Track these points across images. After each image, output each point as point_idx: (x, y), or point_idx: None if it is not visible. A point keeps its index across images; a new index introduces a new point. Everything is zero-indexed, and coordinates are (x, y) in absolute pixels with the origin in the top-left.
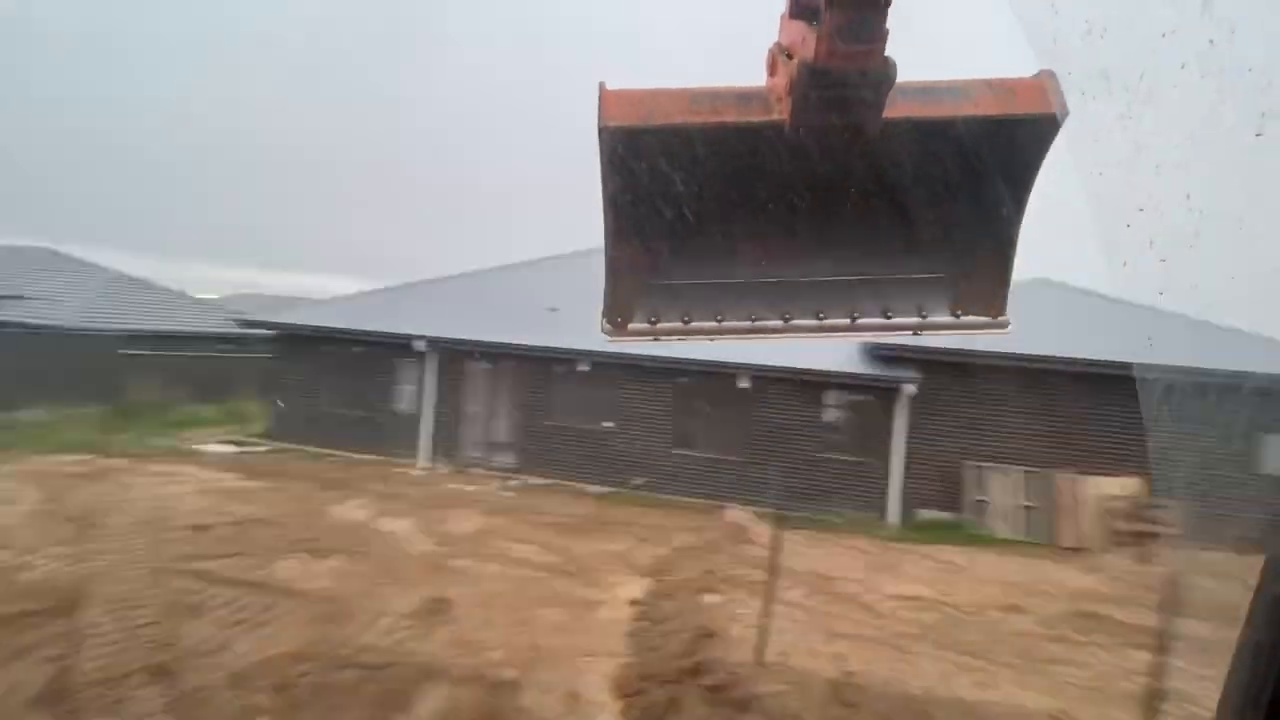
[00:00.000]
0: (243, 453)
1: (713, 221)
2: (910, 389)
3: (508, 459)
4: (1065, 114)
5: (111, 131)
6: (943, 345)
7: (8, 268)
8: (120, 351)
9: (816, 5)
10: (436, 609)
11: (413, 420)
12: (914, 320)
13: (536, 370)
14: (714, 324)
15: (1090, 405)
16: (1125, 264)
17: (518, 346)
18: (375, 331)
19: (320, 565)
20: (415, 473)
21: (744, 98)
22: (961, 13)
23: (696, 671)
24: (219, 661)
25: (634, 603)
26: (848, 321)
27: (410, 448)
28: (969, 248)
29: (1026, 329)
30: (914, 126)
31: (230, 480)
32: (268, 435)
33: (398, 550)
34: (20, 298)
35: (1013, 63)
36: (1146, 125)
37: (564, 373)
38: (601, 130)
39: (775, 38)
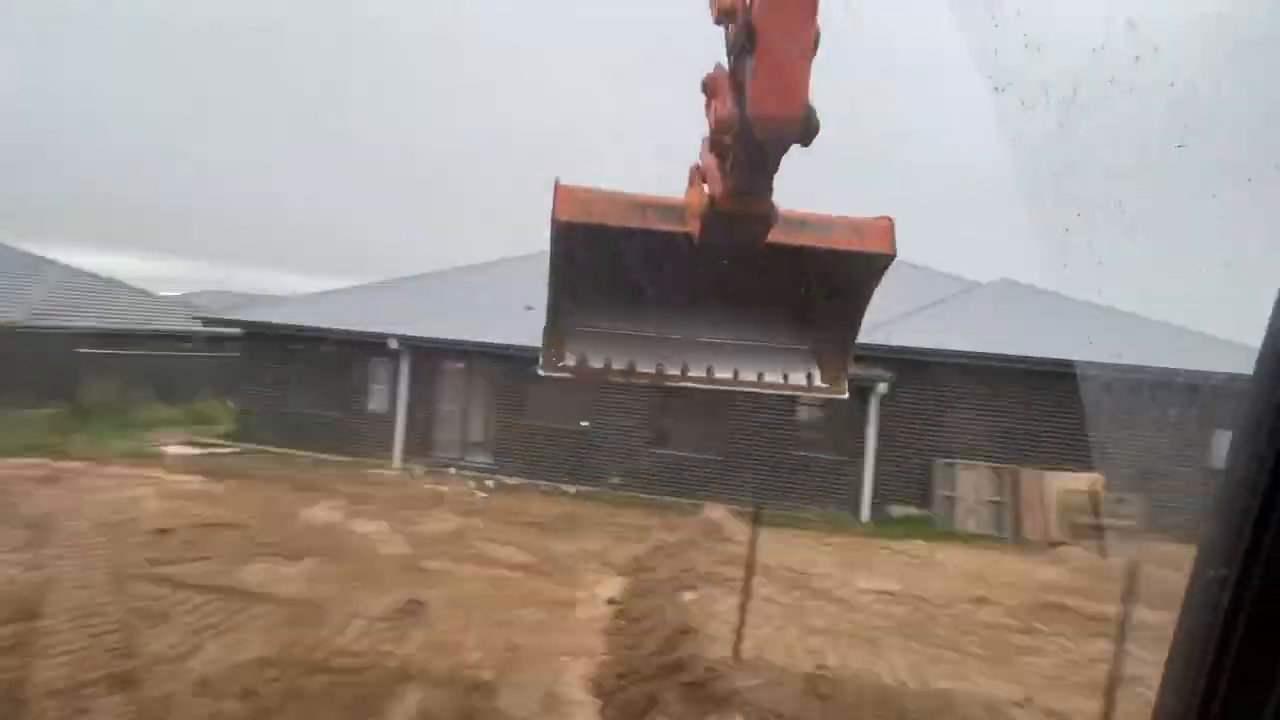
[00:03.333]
0: (207, 454)
1: (632, 292)
2: (882, 388)
3: (484, 459)
4: (895, 253)
5: (67, 125)
6: (912, 345)
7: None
8: (77, 350)
9: (727, 145)
10: (411, 611)
11: (386, 420)
12: (779, 381)
13: (512, 369)
14: (627, 368)
15: (1054, 402)
16: (1065, 265)
17: (493, 345)
18: (346, 330)
19: (290, 569)
20: (388, 474)
21: (666, 210)
22: (910, 25)
23: (675, 668)
24: (185, 668)
25: (612, 601)
26: (730, 377)
27: (383, 448)
28: (822, 337)
29: (993, 329)
30: (788, 250)
31: (194, 483)
32: (233, 436)
33: (371, 552)
34: None
35: (959, 73)
36: (1081, 136)
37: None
38: (553, 220)
39: (697, 155)
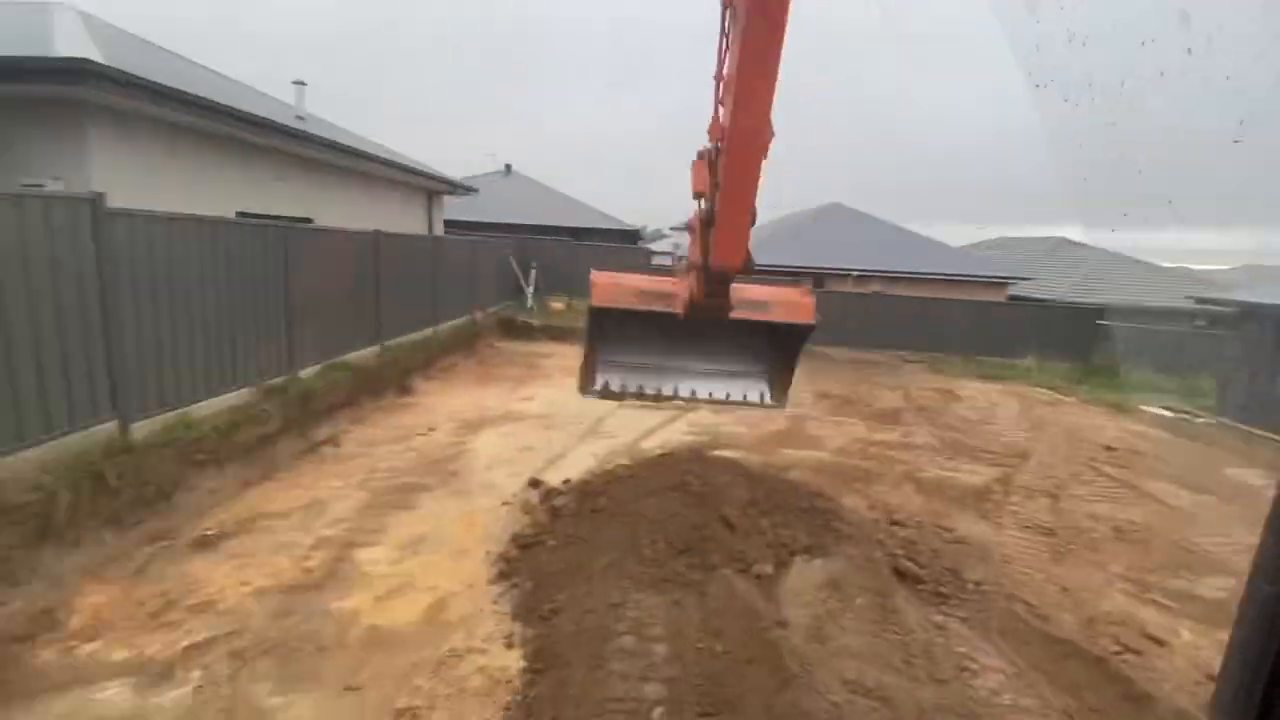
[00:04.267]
0: (1176, 418)
1: (642, 341)
2: None
3: None
4: (816, 323)
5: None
6: None
7: (1025, 253)
8: (1097, 321)
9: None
10: None
11: None
12: (740, 400)
13: None
14: (638, 390)
15: None
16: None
17: None
18: None
19: (1186, 496)
20: None
21: (664, 295)
22: (949, 18)
23: None
24: (1096, 514)
25: None
26: (707, 396)
27: None
28: (769, 370)
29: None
30: (746, 322)
31: (1151, 432)
32: (1211, 410)
33: None
34: (1028, 278)
35: (998, 66)
36: (1129, 131)
37: None
38: (590, 306)
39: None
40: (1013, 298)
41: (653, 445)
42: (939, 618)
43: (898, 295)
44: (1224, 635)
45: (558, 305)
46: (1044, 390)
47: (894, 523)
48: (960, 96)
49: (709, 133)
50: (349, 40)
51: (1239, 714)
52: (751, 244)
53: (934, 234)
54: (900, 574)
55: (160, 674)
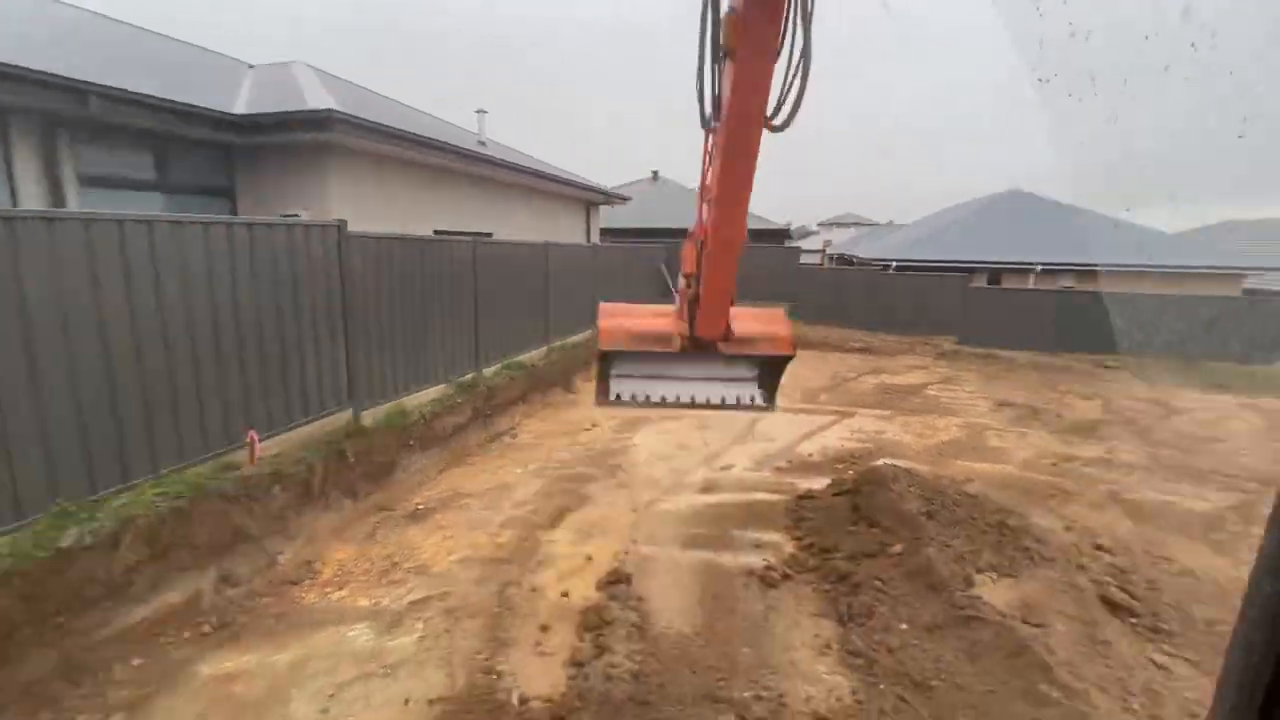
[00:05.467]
0: None
1: (645, 364)
2: None
3: None
4: (795, 354)
5: None
6: None
7: (1264, 236)
8: None
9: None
10: None
11: None
12: (734, 404)
13: None
14: (645, 400)
15: None
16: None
17: None
18: None
19: None
20: None
21: (663, 338)
22: (950, 13)
23: None
24: None
25: None
26: (705, 401)
27: None
28: (759, 379)
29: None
30: (737, 355)
31: None
32: None
33: None
34: (1275, 268)
35: (998, 60)
36: (1131, 127)
37: None
38: (598, 350)
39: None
40: (1248, 291)
41: (811, 450)
42: (1161, 657)
43: (1091, 291)
44: None
45: None
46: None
47: (1098, 547)
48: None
49: (696, 229)
50: (509, 51)
51: (1241, 713)
52: (922, 249)
53: (1145, 220)
54: (1110, 603)
55: (391, 622)
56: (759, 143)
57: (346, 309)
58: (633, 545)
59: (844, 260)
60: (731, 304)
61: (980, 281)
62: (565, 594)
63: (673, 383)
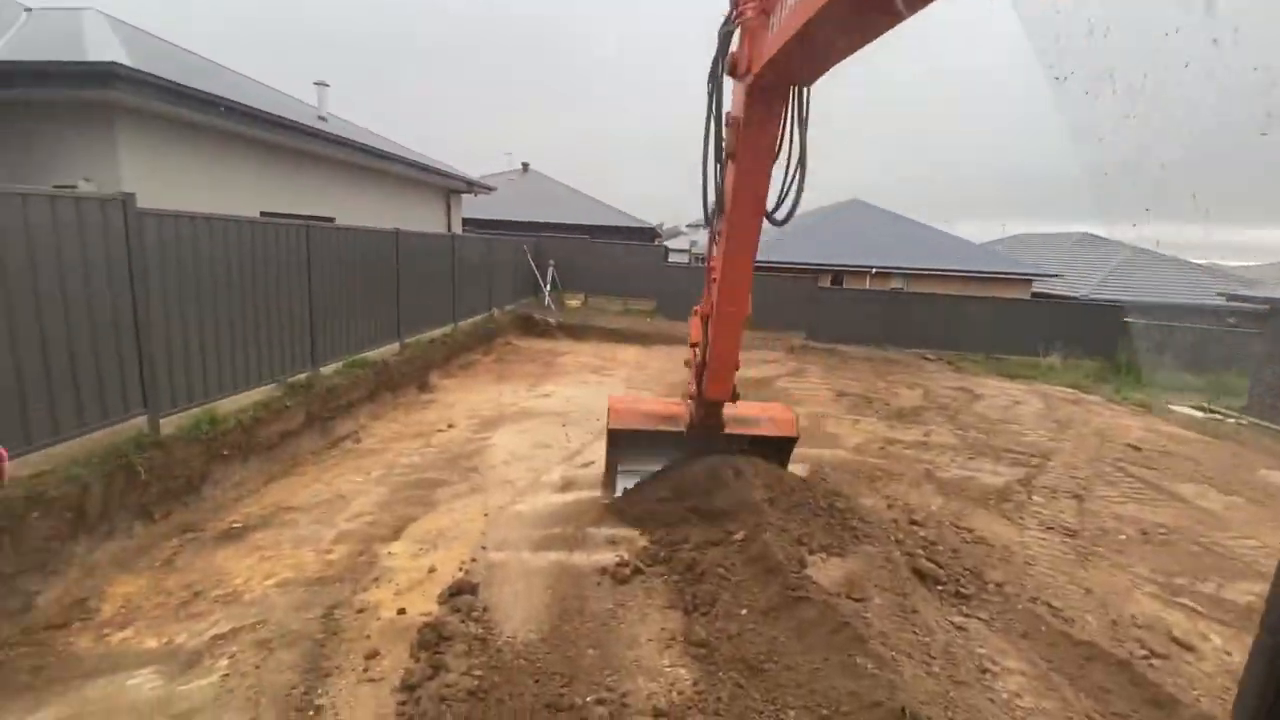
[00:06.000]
0: (1210, 418)
1: (654, 448)
2: None
3: None
4: (799, 436)
5: None
6: None
7: (1051, 249)
8: (1124, 319)
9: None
10: None
11: None
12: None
13: None
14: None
15: None
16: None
17: None
18: None
19: (1216, 497)
20: None
21: (670, 418)
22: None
23: None
24: (1119, 515)
25: None
26: None
27: None
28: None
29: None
30: (738, 436)
31: (1179, 432)
32: (1246, 410)
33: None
34: (1056, 275)
35: (1015, 59)
36: (1151, 125)
37: None
38: (608, 429)
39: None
40: (1036, 295)
41: None
42: (959, 618)
43: (916, 292)
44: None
45: (574, 303)
46: (1068, 389)
47: (913, 522)
48: (976, 91)
49: (701, 306)
50: (367, 39)
51: (1260, 718)
52: (763, 251)
53: (957, 231)
54: (919, 574)
55: (188, 662)
56: (759, 233)
57: (138, 299)
58: (481, 552)
59: (706, 260)
60: (736, 369)
61: (826, 282)
62: (402, 611)
63: (669, 453)
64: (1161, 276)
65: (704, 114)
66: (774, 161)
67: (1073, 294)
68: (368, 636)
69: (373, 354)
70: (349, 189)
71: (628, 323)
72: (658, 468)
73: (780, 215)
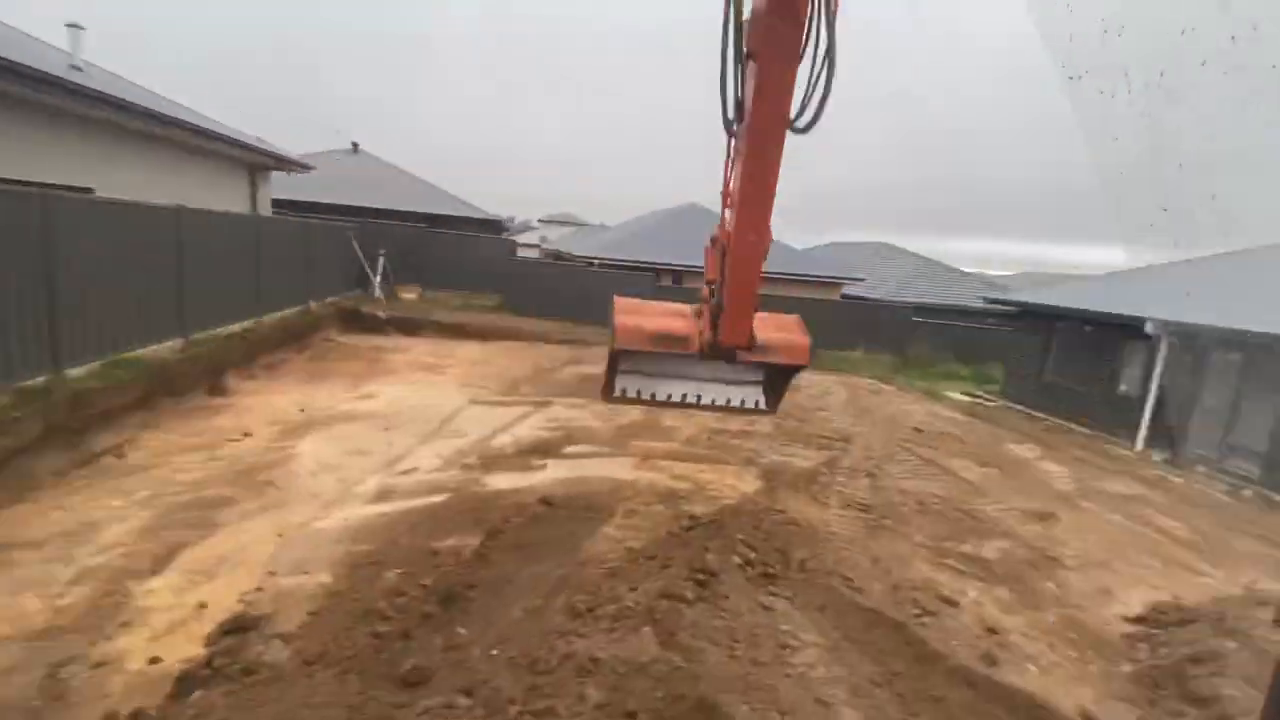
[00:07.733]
0: (975, 402)
1: (660, 363)
2: None
3: (1247, 465)
4: (809, 363)
5: None
6: None
7: (858, 256)
8: (912, 319)
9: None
10: (1045, 517)
11: (1133, 403)
12: (738, 407)
13: None
14: (651, 398)
15: None
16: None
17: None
18: (1103, 312)
19: (976, 470)
20: (1120, 452)
21: (681, 338)
22: (978, 7)
23: None
24: (901, 488)
25: None
26: (710, 403)
27: (1128, 430)
28: (765, 386)
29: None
30: (756, 363)
31: (952, 414)
32: (1001, 395)
33: (1038, 480)
34: (862, 279)
35: (1028, 58)
36: (1168, 123)
37: None
38: (612, 349)
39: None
40: (845, 296)
41: (504, 443)
42: (765, 598)
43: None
44: (1003, 591)
45: (409, 295)
46: (869, 379)
47: (735, 510)
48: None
49: (719, 233)
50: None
51: None
52: (622, 250)
53: (779, 238)
54: (740, 561)
55: None
56: (782, 146)
57: None
58: (269, 578)
59: (557, 256)
60: (757, 309)
61: (667, 281)
62: (154, 660)
63: (679, 381)
64: (941, 282)
65: (722, 3)
66: (799, 61)
67: (875, 296)
68: (107, 696)
69: (145, 351)
70: (117, 156)
71: (468, 317)
72: (658, 371)
73: (802, 123)
